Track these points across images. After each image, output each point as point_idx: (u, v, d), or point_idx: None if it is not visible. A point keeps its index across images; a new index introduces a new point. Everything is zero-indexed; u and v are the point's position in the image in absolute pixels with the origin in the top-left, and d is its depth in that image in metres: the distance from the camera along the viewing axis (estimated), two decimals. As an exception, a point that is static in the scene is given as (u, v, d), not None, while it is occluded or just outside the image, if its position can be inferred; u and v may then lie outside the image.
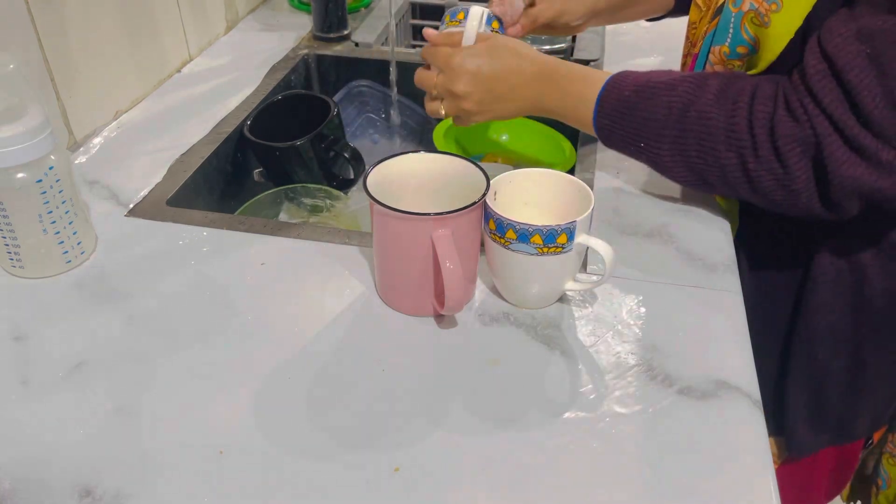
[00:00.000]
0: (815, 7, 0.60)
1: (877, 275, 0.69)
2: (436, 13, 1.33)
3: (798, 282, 0.72)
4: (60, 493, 0.47)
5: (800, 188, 0.60)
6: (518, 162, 1.01)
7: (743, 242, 0.72)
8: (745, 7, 0.64)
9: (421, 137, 1.10)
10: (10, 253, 0.63)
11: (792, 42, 0.62)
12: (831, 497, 0.91)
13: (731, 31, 0.66)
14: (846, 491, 0.93)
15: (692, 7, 0.77)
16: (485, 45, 0.72)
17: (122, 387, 0.55)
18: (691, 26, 0.77)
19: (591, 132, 0.70)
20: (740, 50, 0.66)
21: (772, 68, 0.64)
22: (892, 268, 0.68)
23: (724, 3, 0.67)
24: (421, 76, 0.76)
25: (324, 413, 0.53)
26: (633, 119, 0.65)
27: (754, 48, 0.65)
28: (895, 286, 0.69)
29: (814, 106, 0.57)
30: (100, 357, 0.57)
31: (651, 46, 1.07)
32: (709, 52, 0.70)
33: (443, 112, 0.75)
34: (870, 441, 0.87)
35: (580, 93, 0.69)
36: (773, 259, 0.74)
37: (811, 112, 0.57)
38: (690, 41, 0.77)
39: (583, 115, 0.69)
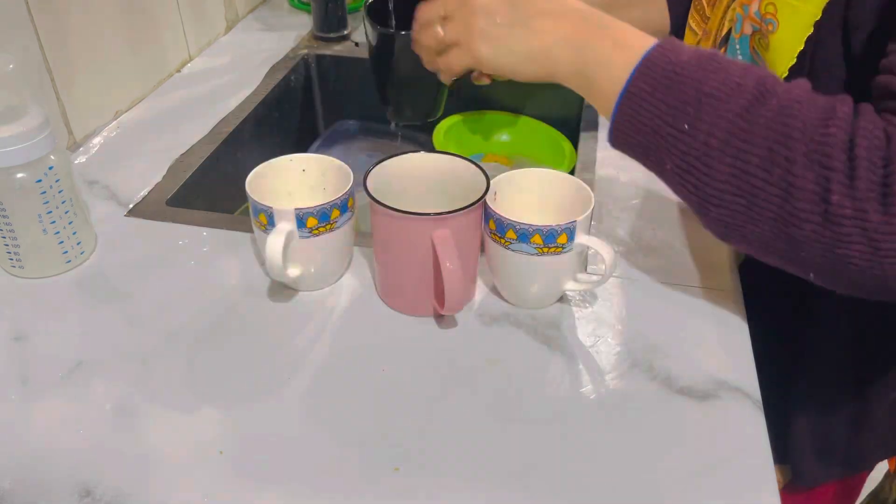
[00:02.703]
0: (817, 30, 0.54)
1: (880, 312, 0.61)
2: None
3: (800, 318, 0.69)
4: (60, 493, 0.47)
5: (892, 248, 0.43)
6: (518, 162, 1.01)
7: (747, 271, 0.69)
8: (748, 30, 0.58)
9: (421, 137, 1.10)
10: (10, 253, 0.63)
11: (794, 68, 0.56)
12: None
13: (739, 56, 0.61)
14: None
15: (686, 31, 0.70)
16: None
17: (122, 387, 0.55)
18: None
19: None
20: None
21: None
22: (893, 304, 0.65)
23: (728, 31, 0.62)
24: (423, 6, 0.61)
25: (323, 413, 0.53)
26: (685, 90, 0.48)
27: None
28: None
29: None
30: (99, 357, 0.57)
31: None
32: None
33: (440, 33, 0.59)
34: (880, 466, 0.85)
35: (633, 45, 0.51)
36: (773, 289, 0.67)
37: None
38: None
39: (619, 83, 0.51)
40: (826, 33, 0.54)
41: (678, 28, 0.78)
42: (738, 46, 0.61)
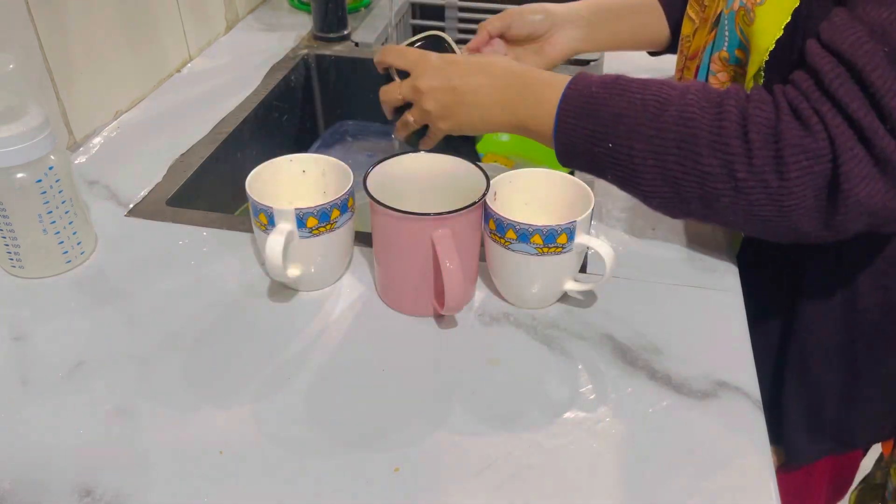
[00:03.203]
0: (803, 3, 0.56)
1: (869, 289, 0.67)
2: (436, 13, 1.33)
3: (790, 296, 0.70)
4: (60, 493, 0.47)
5: (794, 204, 0.53)
6: (518, 162, 1.01)
7: (742, 254, 0.71)
8: (736, 6, 0.61)
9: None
10: (10, 253, 0.63)
11: (781, 41, 0.58)
12: None
13: (727, 34, 0.64)
14: (853, 498, 0.92)
15: (685, 20, 0.74)
16: (457, 55, 0.70)
17: (122, 387, 0.55)
18: (684, 40, 0.74)
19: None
20: (738, 54, 0.64)
21: (765, 71, 0.60)
22: (885, 282, 0.67)
23: (720, 11, 0.65)
24: (385, 88, 0.70)
25: (324, 413, 0.53)
26: (602, 114, 0.58)
27: (748, 49, 0.62)
28: (888, 300, 0.67)
29: (835, 114, 0.51)
30: (100, 357, 0.57)
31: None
32: (709, 62, 0.67)
33: (410, 119, 0.69)
34: (874, 452, 0.86)
35: (550, 94, 0.61)
36: (766, 271, 0.71)
37: (830, 121, 0.51)
38: (684, 54, 0.74)
39: (550, 124, 0.62)
40: (815, 7, 0.56)
41: (676, 27, 0.79)
42: (726, 23, 0.64)
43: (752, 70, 0.62)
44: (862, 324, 0.69)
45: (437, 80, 0.65)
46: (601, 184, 0.76)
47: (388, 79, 0.71)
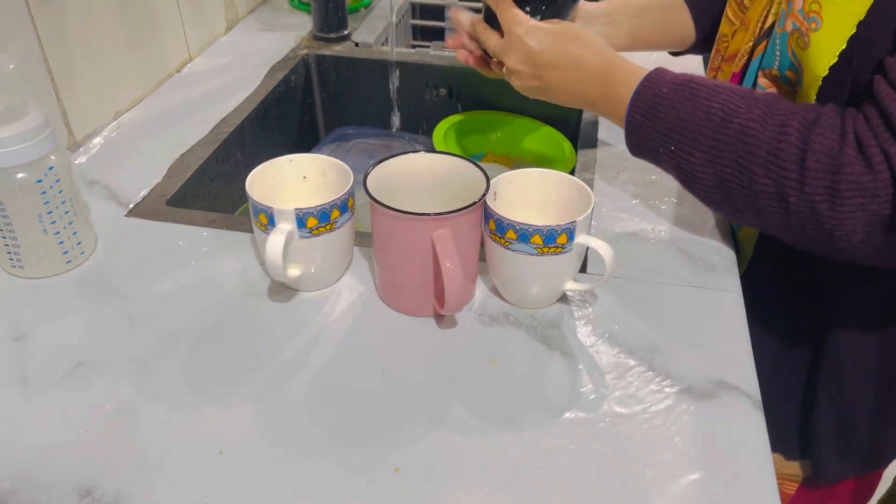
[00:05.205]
0: (861, 29, 0.55)
1: None
2: (436, 13, 1.33)
3: (825, 311, 0.69)
4: (60, 493, 0.47)
5: (844, 235, 0.54)
6: (518, 162, 1.01)
7: (760, 271, 0.70)
8: (789, 28, 0.60)
9: (421, 138, 1.10)
10: (10, 253, 0.63)
11: (836, 67, 0.58)
12: None
13: (777, 53, 0.63)
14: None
15: (723, 20, 0.74)
16: (552, 28, 0.67)
17: (122, 387, 0.55)
18: (721, 38, 0.73)
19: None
20: (788, 74, 0.62)
21: (818, 98, 0.60)
22: None
23: (772, 24, 0.64)
24: (485, 34, 0.72)
25: (324, 413, 0.53)
26: (668, 118, 0.60)
27: (799, 72, 0.61)
28: None
29: None
30: (99, 357, 0.57)
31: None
32: (756, 75, 0.66)
33: (493, 68, 0.73)
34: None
35: (626, 98, 0.64)
36: (799, 288, 0.71)
37: (894, 163, 0.51)
38: (720, 54, 0.74)
39: (622, 120, 0.65)
40: (876, 33, 0.55)
41: (704, 27, 0.80)
42: (777, 41, 0.63)
43: (805, 93, 0.61)
44: (894, 344, 0.68)
45: (525, 65, 0.67)
46: (601, 184, 0.77)
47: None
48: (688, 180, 0.61)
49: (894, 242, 0.54)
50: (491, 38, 0.70)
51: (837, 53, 0.57)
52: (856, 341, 0.69)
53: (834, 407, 0.73)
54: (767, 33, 0.65)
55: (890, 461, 0.79)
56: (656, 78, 0.62)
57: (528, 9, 0.69)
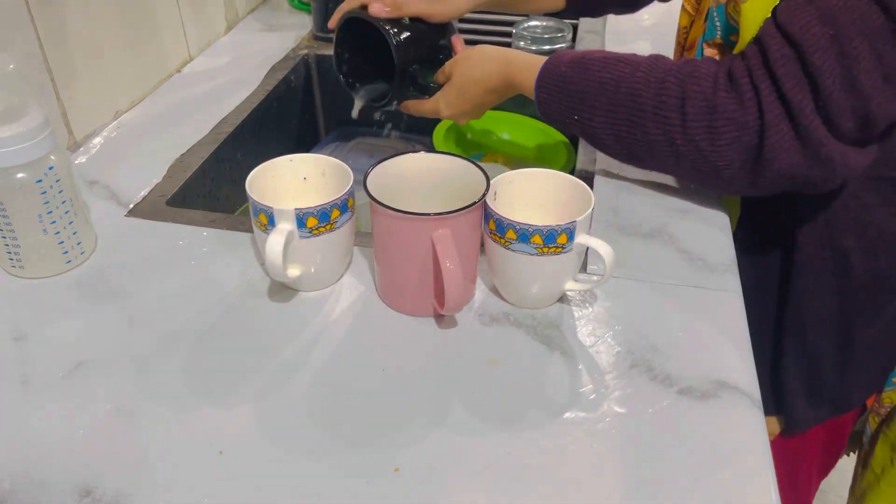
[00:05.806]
0: None
1: (860, 257, 0.71)
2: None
3: (785, 269, 0.74)
4: (60, 493, 0.47)
5: (725, 165, 0.62)
6: (518, 162, 1.01)
7: (740, 232, 0.74)
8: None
9: (421, 137, 1.10)
10: (10, 253, 0.63)
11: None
12: (825, 473, 0.93)
13: (718, 24, 0.68)
14: None
15: (682, 13, 0.80)
16: (449, 87, 0.76)
17: (122, 387, 0.55)
18: (681, 31, 0.78)
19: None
20: (732, 38, 0.68)
21: None
22: (874, 250, 0.70)
23: (709, 5, 0.69)
24: (416, 106, 0.81)
25: (324, 413, 0.53)
26: (568, 92, 0.68)
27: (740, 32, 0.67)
28: (877, 267, 0.71)
29: (770, 90, 0.58)
30: (99, 357, 0.57)
31: (653, 45, 1.07)
32: (702, 48, 0.72)
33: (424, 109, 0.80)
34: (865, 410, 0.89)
35: (531, 81, 0.72)
36: (761, 246, 0.76)
37: (765, 98, 0.58)
38: (681, 44, 0.79)
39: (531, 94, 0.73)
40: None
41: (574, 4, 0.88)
42: (715, 14, 0.69)
43: (739, 49, 0.67)
44: (853, 292, 0.73)
45: (456, 107, 0.77)
46: (601, 184, 0.77)
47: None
48: (594, 141, 0.69)
49: (761, 169, 0.60)
50: (425, 105, 0.79)
51: (770, 11, 0.61)
52: (815, 291, 0.73)
53: (800, 356, 0.77)
54: (707, 15, 0.73)
55: (855, 404, 0.84)
56: (555, 60, 0.70)
57: (420, 95, 0.80)
